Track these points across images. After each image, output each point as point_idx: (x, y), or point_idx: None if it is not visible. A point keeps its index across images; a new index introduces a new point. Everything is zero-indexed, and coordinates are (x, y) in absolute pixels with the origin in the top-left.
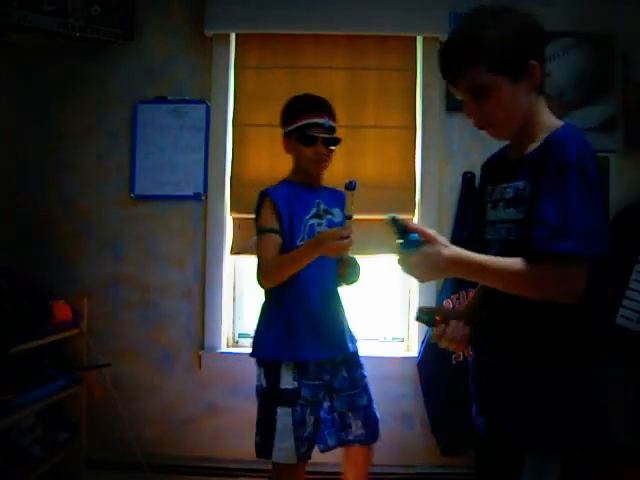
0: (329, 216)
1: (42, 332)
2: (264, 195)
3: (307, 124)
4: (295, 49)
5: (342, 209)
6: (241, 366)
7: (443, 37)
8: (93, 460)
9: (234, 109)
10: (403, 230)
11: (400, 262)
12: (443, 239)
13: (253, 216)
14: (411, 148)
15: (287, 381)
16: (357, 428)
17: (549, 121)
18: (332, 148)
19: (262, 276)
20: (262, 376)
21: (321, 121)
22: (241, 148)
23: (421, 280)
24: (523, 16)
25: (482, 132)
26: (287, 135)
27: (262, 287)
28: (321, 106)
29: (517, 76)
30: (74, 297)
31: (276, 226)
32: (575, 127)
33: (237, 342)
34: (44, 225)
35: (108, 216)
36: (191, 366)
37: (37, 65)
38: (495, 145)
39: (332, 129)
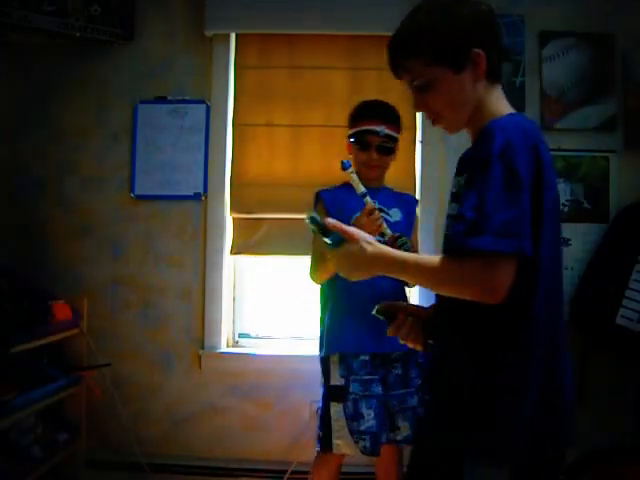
0: (383, 214)
1: (42, 332)
2: (316, 196)
3: (364, 130)
4: (295, 49)
5: (402, 209)
6: (241, 366)
7: None
8: (93, 460)
9: (234, 109)
10: (323, 229)
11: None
12: (366, 236)
13: (255, 216)
14: (411, 148)
15: (335, 378)
16: (405, 429)
17: (496, 111)
18: (387, 155)
19: (310, 271)
20: (321, 373)
21: (377, 129)
22: (241, 148)
23: (349, 279)
24: (468, 5)
25: None
26: (349, 138)
27: (314, 282)
28: (380, 113)
29: (459, 66)
30: (74, 297)
31: None
32: (514, 117)
33: (237, 342)
34: (44, 225)
35: (108, 216)
36: (191, 366)
37: (37, 65)
38: None
39: (389, 137)
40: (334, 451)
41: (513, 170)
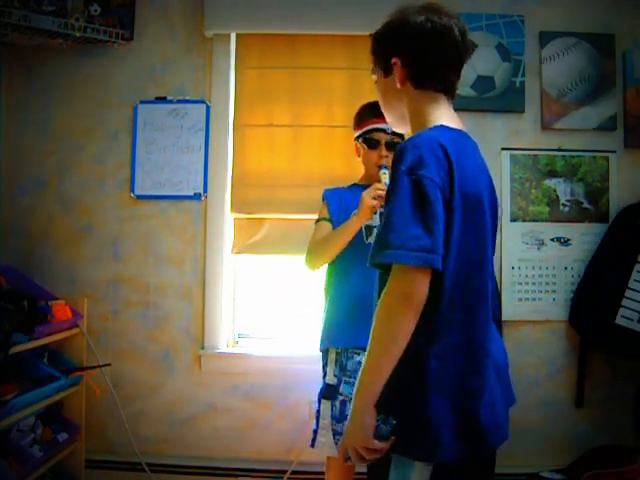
0: None
1: (42, 332)
2: (322, 195)
3: (371, 129)
4: (295, 49)
5: None
6: (241, 366)
7: None
8: (93, 460)
9: (234, 109)
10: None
11: None
12: None
13: (256, 216)
14: None
15: (329, 376)
16: None
17: (427, 121)
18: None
19: (307, 256)
20: (322, 368)
21: (384, 126)
22: (241, 148)
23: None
24: (416, 16)
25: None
26: (356, 140)
27: (309, 268)
28: None
29: (386, 71)
30: (74, 297)
31: (327, 216)
32: (432, 130)
33: (237, 342)
34: (44, 225)
35: (108, 216)
36: (191, 366)
37: (37, 65)
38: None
39: (396, 133)
40: (316, 449)
41: (421, 187)
